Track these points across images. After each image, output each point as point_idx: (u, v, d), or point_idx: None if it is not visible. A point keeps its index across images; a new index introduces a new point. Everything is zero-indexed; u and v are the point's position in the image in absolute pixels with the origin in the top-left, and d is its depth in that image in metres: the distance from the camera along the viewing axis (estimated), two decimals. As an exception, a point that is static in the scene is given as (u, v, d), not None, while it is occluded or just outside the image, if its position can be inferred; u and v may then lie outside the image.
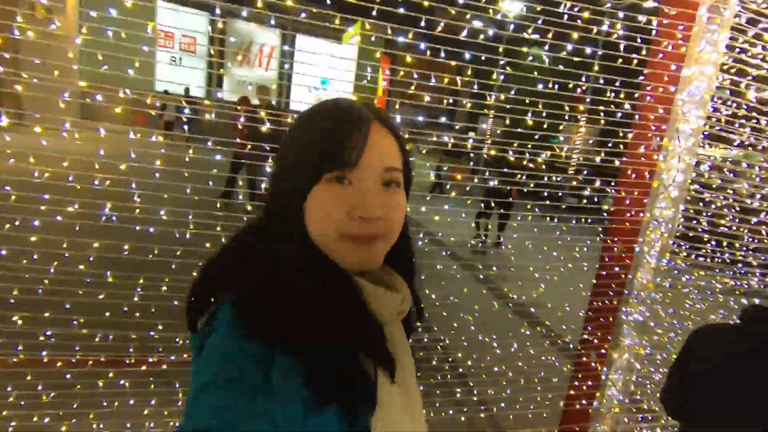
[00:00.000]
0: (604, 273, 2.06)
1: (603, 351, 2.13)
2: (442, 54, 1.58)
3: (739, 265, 2.24)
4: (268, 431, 0.45)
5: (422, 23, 1.57)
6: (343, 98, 0.64)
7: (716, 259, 2.23)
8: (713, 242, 2.18)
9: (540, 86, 1.73)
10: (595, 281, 2.09)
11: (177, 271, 1.64)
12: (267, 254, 0.58)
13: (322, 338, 0.53)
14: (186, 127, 10.28)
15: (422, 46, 1.61)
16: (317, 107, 0.63)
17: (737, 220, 2.17)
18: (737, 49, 1.89)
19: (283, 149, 0.63)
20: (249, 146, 1.78)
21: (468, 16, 1.58)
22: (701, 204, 2.12)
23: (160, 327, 1.73)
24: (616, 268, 2.06)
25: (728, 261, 2.25)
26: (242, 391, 0.46)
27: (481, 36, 1.59)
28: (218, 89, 14.46)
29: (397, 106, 1.72)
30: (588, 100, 1.68)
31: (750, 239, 2.24)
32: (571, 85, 1.77)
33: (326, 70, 2.03)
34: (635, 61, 1.82)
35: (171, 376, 1.78)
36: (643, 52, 1.82)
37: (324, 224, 0.58)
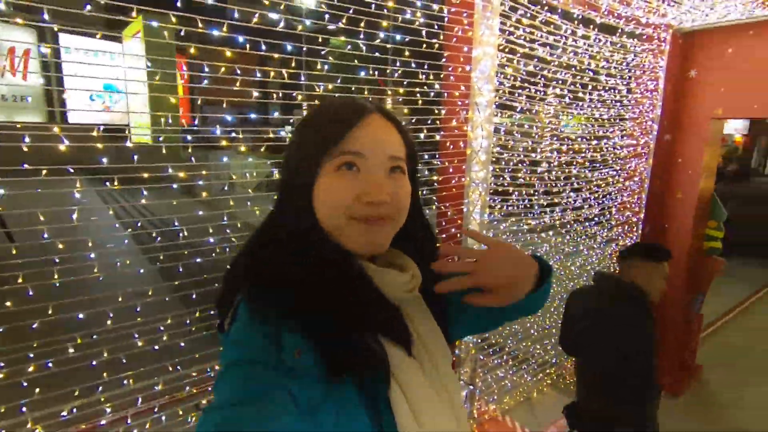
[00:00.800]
0: (444, 235, 2.31)
1: (454, 304, 2.41)
2: (263, 47, 1.52)
3: (535, 207, 2.77)
4: (287, 403, 0.49)
5: (235, 15, 1.47)
6: (347, 96, 0.69)
7: (519, 206, 2.71)
8: (515, 193, 2.64)
9: (362, 73, 1.81)
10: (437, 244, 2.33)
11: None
12: (278, 242, 0.62)
13: (327, 317, 0.56)
14: None
15: (240, 39, 1.51)
16: (321, 104, 0.68)
17: (528, 172, 2.67)
18: (507, 32, 2.29)
19: (291, 143, 0.66)
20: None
21: (282, 7, 1.54)
22: (503, 163, 2.54)
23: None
24: (452, 229, 2.33)
25: (527, 206, 2.76)
26: (258, 369, 0.51)
27: (300, 27, 1.58)
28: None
29: (222, 104, 1.59)
30: (405, 83, 1.85)
31: (539, 185, 2.78)
32: (388, 71, 1.90)
33: (107, 72, 1.74)
34: (437, 46, 2.04)
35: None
36: (441, 37, 2.06)
37: (333, 208, 0.60)
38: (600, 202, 3.20)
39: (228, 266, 0.65)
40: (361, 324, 0.58)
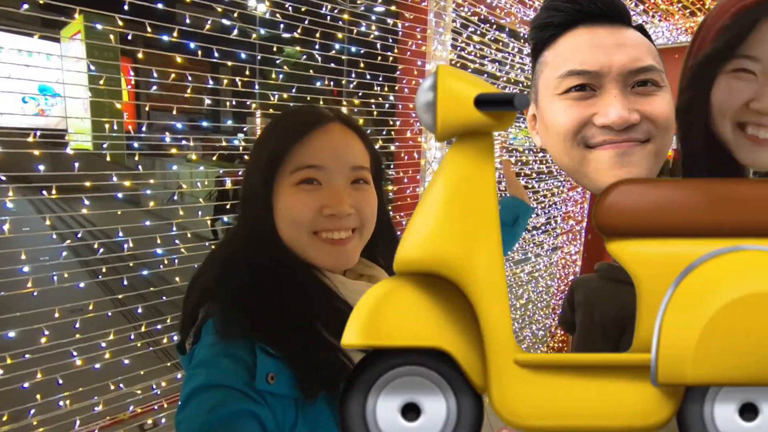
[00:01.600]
0: (399, 245, 2.35)
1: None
2: (216, 54, 1.49)
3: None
4: (256, 429, 0.47)
5: (186, 20, 1.44)
6: (307, 104, 0.66)
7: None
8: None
9: (318, 84, 1.81)
10: (393, 254, 2.36)
11: None
12: (241, 259, 0.59)
13: (298, 335, 0.54)
14: None
15: (191, 45, 1.48)
16: (280, 115, 0.68)
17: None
18: (459, 48, 2.38)
19: (251, 157, 0.64)
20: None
21: (236, 15, 1.53)
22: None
23: None
24: (407, 239, 2.37)
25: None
26: (226, 394, 0.48)
27: (254, 35, 1.57)
28: None
29: (170, 111, 1.55)
30: (360, 94, 1.88)
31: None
32: (344, 82, 1.92)
33: (43, 74, 1.64)
34: (391, 59, 2.09)
35: None
36: (396, 51, 2.11)
37: (295, 225, 0.58)
38: (546, 211, 3.36)
39: (189, 283, 0.62)
40: (331, 340, 0.57)
